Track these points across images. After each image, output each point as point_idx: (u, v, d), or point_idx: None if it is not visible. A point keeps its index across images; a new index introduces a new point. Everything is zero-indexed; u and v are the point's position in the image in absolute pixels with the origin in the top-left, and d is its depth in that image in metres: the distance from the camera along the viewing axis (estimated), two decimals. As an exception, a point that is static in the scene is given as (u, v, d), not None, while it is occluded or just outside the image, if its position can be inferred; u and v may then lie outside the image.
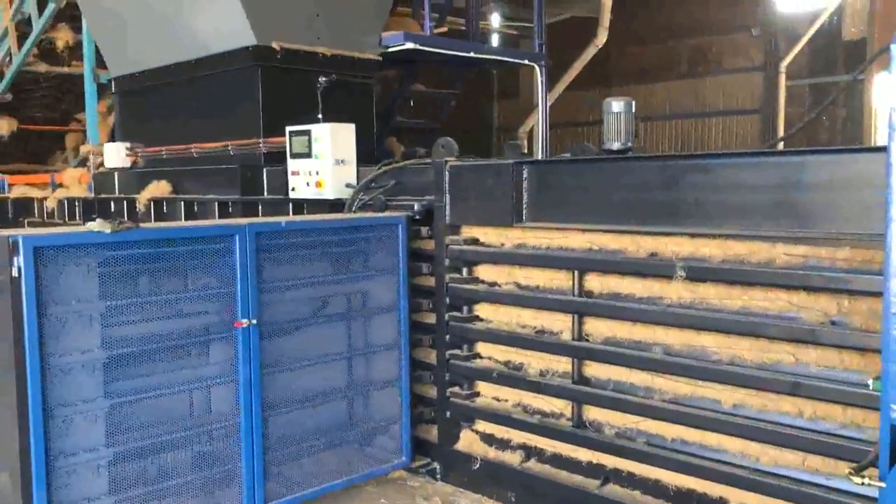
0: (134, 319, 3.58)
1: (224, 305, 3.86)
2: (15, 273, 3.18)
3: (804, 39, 15.95)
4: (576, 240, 3.99)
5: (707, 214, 3.51)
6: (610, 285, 3.87)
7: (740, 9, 16.75)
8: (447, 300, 4.61)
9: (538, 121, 8.83)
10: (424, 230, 4.74)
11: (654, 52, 18.31)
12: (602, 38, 11.82)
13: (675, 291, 3.61)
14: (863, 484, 2.81)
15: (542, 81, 8.31)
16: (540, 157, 7.67)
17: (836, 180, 3.16)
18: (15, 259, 3.17)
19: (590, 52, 12.06)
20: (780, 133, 16.28)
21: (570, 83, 12.90)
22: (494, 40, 13.52)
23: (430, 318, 4.75)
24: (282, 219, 4.37)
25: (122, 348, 3.51)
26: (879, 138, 15.45)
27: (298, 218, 4.72)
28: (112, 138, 8.13)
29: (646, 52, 18.35)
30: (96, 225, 3.41)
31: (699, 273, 3.50)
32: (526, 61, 8.43)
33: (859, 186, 3.08)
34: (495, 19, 13.43)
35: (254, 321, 3.91)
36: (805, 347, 3.23)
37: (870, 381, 2.88)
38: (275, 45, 5.98)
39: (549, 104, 8.91)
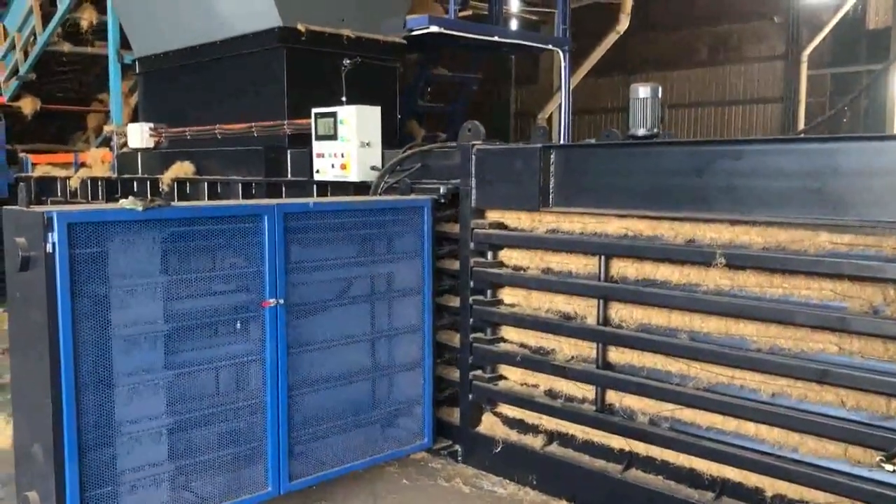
0: (162, 297, 3.60)
1: (251, 285, 3.88)
2: (49, 249, 3.21)
3: (827, 28, 15.79)
4: (611, 225, 3.97)
5: (740, 201, 3.49)
6: (645, 271, 3.86)
7: (762, -4, 16.60)
8: (471, 283, 4.62)
9: (560, 106, 8.79)
10: (450, 213, 4.74)
11: (675, 39, 18.18)
12: (624, 24, 11.75)
13: (713, 279, 3.59)
14: (894, 471, 2.82)
15: (565, 67, 8.27)
16: (563, 143, 7.64)
17: (875, 168, 3.13)
18: (49, 235, 3.20)
19: (611, 39, 12.01)
20: (801, 122, 16.17)
21: (590, 70, 12.84)
22: (513, 25, 13.45)
23: (454, 302, 4.76)
24: (309, 200, 4.38)
25: (151, 325, 3.54)
26: (902, 128, 15.30)
27: (325, 200, 4.73)
28: (134, 119, 8.18)
29: (667, 39, 18.22)
30: (128, 202, 3.44)
31: (739, 260, 3.47)
32: (550, 46, 8.38)
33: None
34: (515, 4, 13.38)
35: (281, 301, 3.93)
36: (849, 337, 3.21)
37: (902, 370, 2.88)
38: (300, 26, 5.99)
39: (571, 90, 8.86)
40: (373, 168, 5.22)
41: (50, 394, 3.25)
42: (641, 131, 4.27)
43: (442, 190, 4.73)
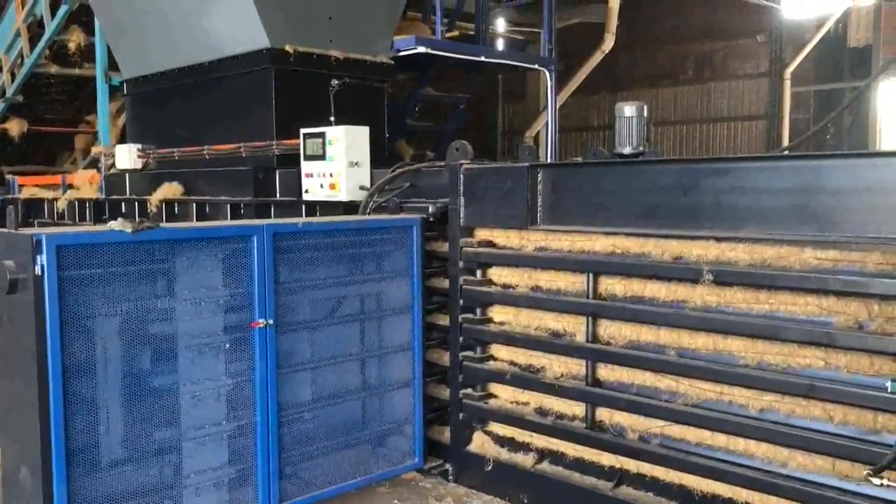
0: (151, 319, 3.59)
1: (241, 305, 3.88)
2: (38, 271, 3.20)
3: (809, 46, 16.02)
4: (598, 243, 4.00)
5: (727, 218, 3.53)
6: (634, 289, 3.88)
7: (746, 15, 16.82)
8: (461, 302, 4.63)
9: (547, 125, 8.87)
10: (439, 232, 4.76)
11: (661, 57, 18.39)
12: (609, 43, 11.89)
13: (701, 295, 3.62)
14: (881, 485, 2.84)
15: (551, 86, 8.35)
16: (550, 161, 7.69)
17: (859, 184, 3.18)
18: (38, 258, 3.20)
19: (597, 58, 12.13)
20: (785, 139, 16.35)
21: (577, 88, 12.97)
22: (500, 44, 13.58)
23: (444, 320, 4.77)
24: (298, 220, 4.40)
25: (139, 347, 3.53)
26: (885, 144, 15.50)
27: (315, 219, 4.75)
28: (122, 140, 8.18)
29: (652, 57, 18.42)
30: (117, 224, 3.44)
31: (726, 277, 3.50)
32: (536, 66, 8.47)
33: (883, 191, 3.10)
34: (501, 24, 13.51)
35: (271, 322, 3.93)
36: (835, 352, 3.23)
37: (888, 384, 2.91)
38: (288, 48, 6.02)
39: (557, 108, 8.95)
40: (362, 188, 5.24)
41: (38, 416, 3.24)
42: (627, 149, 4.31)
43: (431, 209, 4.75)
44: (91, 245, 3.35)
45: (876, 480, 2.91)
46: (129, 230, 3.42)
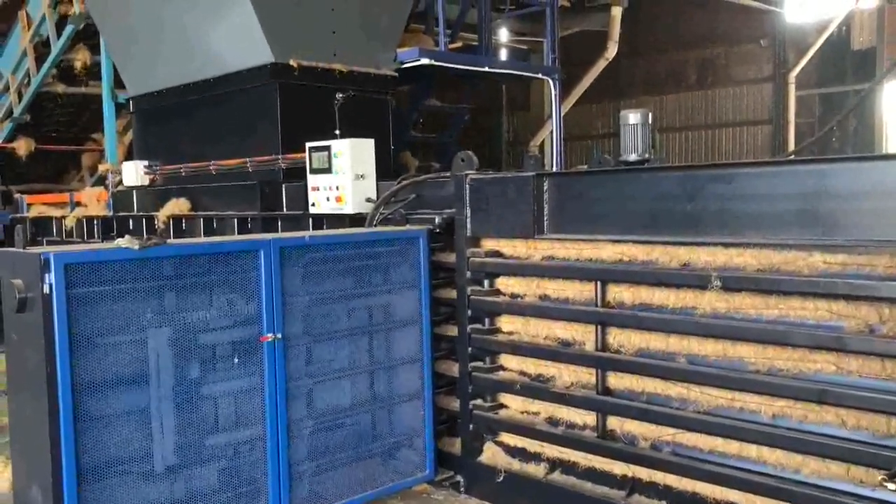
0: (161, 335, 3.60)
1: (249, 320, 3.88)
2: (46, 290, 3.21)
3: (813, 50, 16.00)
4: (606, 251, 3.99)
5: (733, 224, 3.52)
6: (642, 296, 3.87)
7: (748, 20, 16.82)
8: (469, 312, 4.63)
9: (552, 134, 8.87)
10: (445, 243, 4.76)
11: (664, 63, 18.39)
12: (612, 51, 11.92)
13: (709, 302, 3.60)
14: (897, 490, 2.81)
15: (555, 95, 8.36)
16: (555, 170, 7.69)
17: (865, 188, 3.16)
18: (46, 276, 3.21)
19: (600, 66, 12.16)
20: (791, 142, 16.31)
21: (581, 96, 12.98)
22: (503, 54, 13.61)
23: (452, 331, 4.76)
24: (305, 234, 4.41)
25: (150, 363, 3.54)
26: (891, 146, 15.45)
27: (321, 233, 4.75)
28: (128, 157, 8.22)
29: (656, 63, 18.43)
30: (125, 242, 3.45)
31: (734, 283, 3.48)
32: (539, 75, 8.48)
33: (887, 194, 3.09)
34: (503, 34, 13.54)
35: (279, 335, 3.93)
36: (846, 356, 3.21)
37: (901, 388, 2.89)
38: (292, 62, 6.06)
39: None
40: (368, 200, 5.25)
41: (48, 434, 3.24)
42: (633, 157, 4.31)
43: (437, 220, 4.75)
44: (99, 263, 3.36)
45: (891, 485, 2.88)
46: (137, 247, 3.43)
